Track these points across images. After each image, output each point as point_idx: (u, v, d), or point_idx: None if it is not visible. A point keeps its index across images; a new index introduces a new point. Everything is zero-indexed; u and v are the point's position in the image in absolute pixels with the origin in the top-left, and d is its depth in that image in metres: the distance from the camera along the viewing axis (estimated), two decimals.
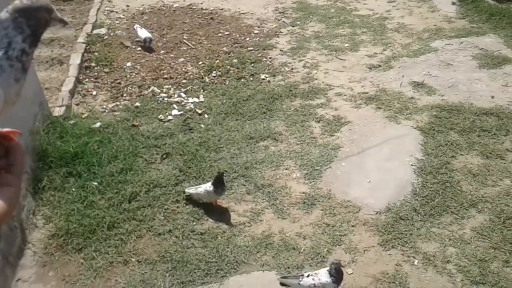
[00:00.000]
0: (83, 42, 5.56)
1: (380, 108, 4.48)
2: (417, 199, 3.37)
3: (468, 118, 4.17)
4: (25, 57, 0.84)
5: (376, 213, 3.29)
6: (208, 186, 3.29)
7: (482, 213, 3.22)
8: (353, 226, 3.21)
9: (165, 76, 5.23)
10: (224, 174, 3.40)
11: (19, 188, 0.81)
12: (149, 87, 5.01)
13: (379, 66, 5.23)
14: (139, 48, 5.73)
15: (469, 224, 3.15)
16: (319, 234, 3.16)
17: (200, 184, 3.48)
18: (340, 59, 5.43)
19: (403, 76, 4.97)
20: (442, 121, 4.19)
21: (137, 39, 5.80)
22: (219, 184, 3.26)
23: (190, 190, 3.44)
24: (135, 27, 5.90)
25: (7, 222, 2.99)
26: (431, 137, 4.00)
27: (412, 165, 3.70)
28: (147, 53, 5.64)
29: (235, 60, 5.47)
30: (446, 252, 2.95)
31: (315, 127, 4.27)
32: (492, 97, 4.48)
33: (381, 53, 5.49)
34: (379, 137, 4.07)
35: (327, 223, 3.23)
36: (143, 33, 5.69)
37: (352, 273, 2.88)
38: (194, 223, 3.29)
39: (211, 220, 3.32)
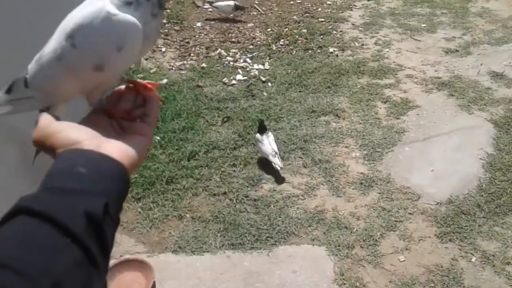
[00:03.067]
0: None
1: (452, 95, 4.25)
2: (482, 195, 3.20)
3: None
4: None
5: (437, 204, 3.17)
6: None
7: None
8: (410, 213, 3.12)
9: (233, 39, 5.22)
10: (264, 121, 3.61)
11: (151, 139, 0.79)
12: (216, 49, 5.02)
13: (457, 51, 4.94)
14: (210, 9, 5.72)
15: None
16: (374, 217, 3.09)
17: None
18: (415, 39, 5.17)
19: (481, 64, 4.67)
20: None
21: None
22: (262, 129, 3.44)
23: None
24: None
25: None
26: (505, 132, 3.77)
27: (481, 159, 3.51)
28: (218, 15, 5.62)
29: (304, 30, 5.35)
30: (508, 253, 2.81)
31: (380, 108, 4.13)
32: None
33: (460, 38, 5.17)
34: (448, 126, 3.88)
35: (383, 207, 3.16)
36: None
37: (404, 260, 2.81)
38: (249, 188, 3.32)
39: (265, 188, 3.33)
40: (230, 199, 3.23)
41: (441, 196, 3.23)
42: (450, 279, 2.68)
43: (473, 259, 2.80)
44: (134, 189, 3.28)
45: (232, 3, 5.39)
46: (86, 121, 0.77)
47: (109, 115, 0.80)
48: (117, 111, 0.81)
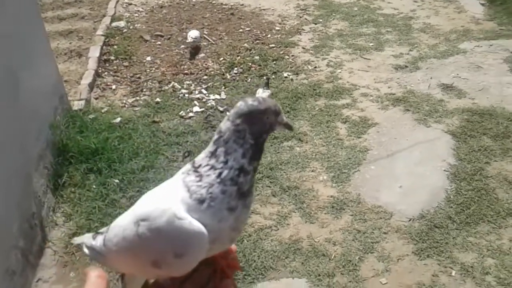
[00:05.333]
0: (102, 35, 5.45)
1: (408, 110, 4.33)
2: (451, 207, 3.22)
3: (502, 123, 4.01)
4: (243, 178, 0.71)
5: (409, 220, 3.16)
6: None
7: None
8: (385, 233, 3.08)
9: (186, 71, 5.12)
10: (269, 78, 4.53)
11: None
12: (170, 82, 4.89)
13: (406, 66, 5.07)
14: (159, 43, 5.62)
15: (507, 234, 3.01)
16: (350, 240, 3.03)
17: None
18: (365, 58, 5.28)
19: (431, 78, 4.81)
20: (474, 125, 4.03)
21: (188, 41, 5.36)
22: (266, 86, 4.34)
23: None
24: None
25: None
26: (463, 142, 3.85)
27: (445, 170, 3.55)
28: (167, 48, 5.52)
29: (257, 57, 5.33)
30: (485, 263, 2.81)
31: (341, 128, 4.13)
32: None
33: (407, 54, 5.33)
34: (408, 140, 3.92)
35: (358, 229, 3.10)
36: (194, 33, 5.38)
37: (386, 283, 2.74)
38: None
39: None
40: None
41: (413, 212, 3.22)
42: None
43: (453, 273, 2.78)
44: None
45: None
46: None
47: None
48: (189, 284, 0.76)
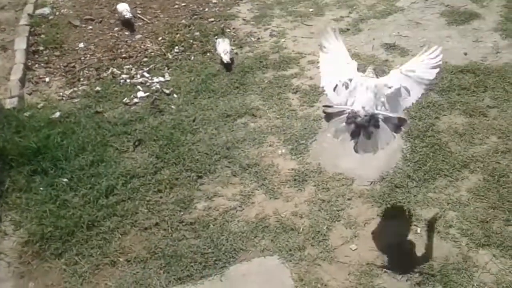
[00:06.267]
0: (26, 24, 5.02)
1: None
2: (409, 165, 3.29)
3: (446, 77, 4.11)
4: None
5: (370, 184, 3.19)
6: None
7: (475, 173, 3.18)
8: (349, 199, 3.09)
9: (124, 55, 4.84)
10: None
11: None
12: (108, 68, 4.61)
13: (348, 29, 5.06)
14: (90, 27, 5.26)
15: (464, 185, 3.11)
16: (316, 211, 3.02)
17: None
18: (307, 25, 5.21)
19: (373, 39, 4.84)
20: None
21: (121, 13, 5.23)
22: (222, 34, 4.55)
23: None
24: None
25: None
26: None
27: None
28: (100, 32, 5.18)
29: (197, 33, 5.13)
30: (447, 216, 2.90)
31: (293, 99, 4.08)
32: (465, 54, 4.44)
33: (348, 16, 5.31)
34: None
35: (322, 199, 3.10)
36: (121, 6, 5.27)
37: (356, 248, 2.77)
38: (182, 212, 3.06)
39: (199, 207, 3.10)
40: (165, 229, 2.95)
41: (373, 175, 3.25)
42: (403, 256, 2.69)
43: (418, 230, 2.85)
44: (52, 245, 2.86)
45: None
46: None
47: None
48: None
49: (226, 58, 4.48)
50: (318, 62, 4.44)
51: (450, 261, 2.63)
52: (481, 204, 2.96)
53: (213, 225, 2.96)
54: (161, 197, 3.17)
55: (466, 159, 3.29)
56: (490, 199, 2.97)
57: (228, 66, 4.50)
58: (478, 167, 3.22)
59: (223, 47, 4.58)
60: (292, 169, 3.34)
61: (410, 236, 2.81)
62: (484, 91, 3.94)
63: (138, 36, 5.15)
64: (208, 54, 4.79)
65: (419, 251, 2.72)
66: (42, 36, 5.01)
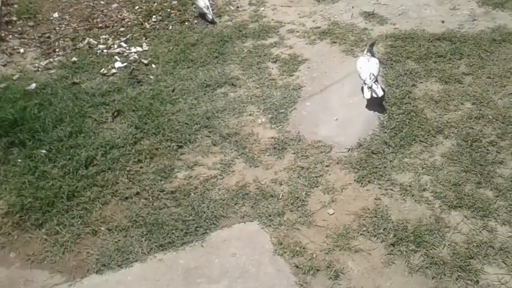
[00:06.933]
0: None
1: (335, 42, 4.34)
2: (385, 132, 3.35)
3: (423, 45, 4.15)
4: None
5: (348, 150, 3.25)
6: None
7: (449, 138, 3.27)
8: (327, 166, 3.15)
9: (100, 25, 4.75)
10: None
11: None
12: (84, 38, 4.53)
13: None
14: None
15: (438, 150, 3.19)
16: (295, 178, 3.07)
17: None
18: None
19: (352, 7, 4.84)
20: (398, 50, 4.15)
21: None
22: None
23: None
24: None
25: None
26: (389, 68, 3.97)
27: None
28: (75, 1, 5.05)
29: (175, 2, 5.05)
30: (421, 180, 2.99)
31: (272, 68, 4.08)
32: (443, 21, 4.48)
33: None
34: (339, 73, 3.97)
35: (301, 166, 3.15)
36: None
37: (333, 213, 2.84)
38: (162, 182, 3.08)
39: (180, 176, 3.12)
40: (145, 199, 2.97)
41: (350, 142, 3.31)
42: (379, 219, 2.78)
43: (394, 194, 2.93)
44: (32, 215, 2.86)
45: None
46: None
47: None
48: None
49: (210, 15, 4.63)
50: (297, 32, 4.47)
51: (423, 223, 2.72)
52: (454, 168, 3.05)
53: (194, 194, 2.99)
54: (141, 167, 3.18)
55: (441, 125, 3.37)
56: (463, 163, 3.07)
57: (213, 22, 4.62)
58: (452, 132, 3.31)
59: (204, 2, 4.67)
60: (272, 138, 3.38)
61: (386, 200, 2.89)
62: (460, 58, 4.00)
63: (115, 5, 5.05)
64: (186, 23, 4.73)
65: (394, 214, 2.80)
66: (15, 6, 4.88)
